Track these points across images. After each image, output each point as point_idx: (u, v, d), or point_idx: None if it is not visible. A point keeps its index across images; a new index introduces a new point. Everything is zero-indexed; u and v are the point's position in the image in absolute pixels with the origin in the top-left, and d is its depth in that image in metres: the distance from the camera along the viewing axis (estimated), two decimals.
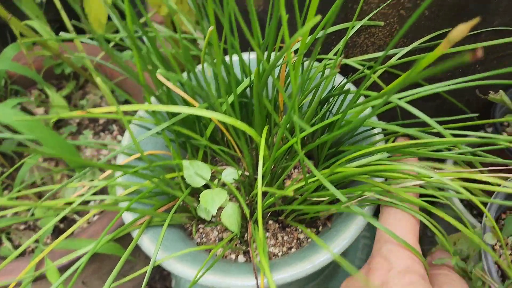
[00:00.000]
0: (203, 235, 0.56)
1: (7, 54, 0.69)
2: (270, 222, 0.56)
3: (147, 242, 0.48)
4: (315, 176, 0.45)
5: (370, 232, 0.72)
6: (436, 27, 0.54)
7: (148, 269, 0.46)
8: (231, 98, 0.50)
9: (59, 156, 0.39)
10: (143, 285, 0.45)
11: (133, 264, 0.85)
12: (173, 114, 0.50)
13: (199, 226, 0.57)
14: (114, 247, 0.60)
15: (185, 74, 0.60)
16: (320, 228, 0.55)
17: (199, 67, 0.61)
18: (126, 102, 0.85)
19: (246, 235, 0.54)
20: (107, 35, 0.48)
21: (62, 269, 0.63)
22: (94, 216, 0.72)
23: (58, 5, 0.67)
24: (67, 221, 0.72)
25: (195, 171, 0.50)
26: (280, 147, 0.45)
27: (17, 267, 0.61)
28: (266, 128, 0.47)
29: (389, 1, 0.52)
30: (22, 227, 0.71)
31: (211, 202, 0.49)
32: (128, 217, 0.50)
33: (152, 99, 0.59)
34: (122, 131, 0.84)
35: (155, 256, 0.46)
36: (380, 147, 0.43)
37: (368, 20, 0.54)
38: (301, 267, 0.43)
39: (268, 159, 0.47)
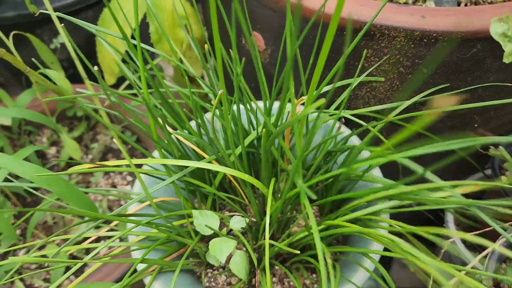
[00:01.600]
0: (212, 280, 0.58)
1: (22, 101, 0.72)
2: (277, 267, 0.57)
3: None
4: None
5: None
6: (434, 82, 0.57)
7: None
8: (238, 150, 0.53)
9: (78, 213, 0.42)
10: None
11: None
12: (184, 166, 0.53)
13: (208, 270, 0.59)
14: None
15: (193, 123, 0.64)
16: None
17: (207, 115, 0.64)
18: (138, 140, 0.88)
19: (254, 280, 0.56)
20: (120, 92, 0.51)
21: None
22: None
23: (72, 54, 0.70)
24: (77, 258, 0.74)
25: (204, 221, 0.53)
26: (286, 199, 0.47)
27: None
28: (273, 180, 0.50)
29: (388, 59, 0.55)
30: (33, 266, 0.73)
31: (220, 250, 0.51)
32: (140, 264, 0.52)
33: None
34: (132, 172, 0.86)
35: None
36: (382, 195, 0.45)
37: (369, 76, 0.58)
38: None
39: (274, 208, 0.49)
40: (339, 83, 0.57)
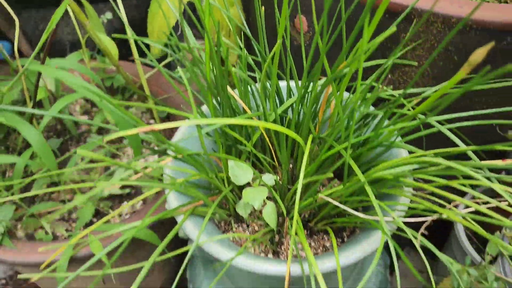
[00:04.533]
0: (236, 237, 0.60)
1: (71, 58, 0.77)
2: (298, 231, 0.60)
3: (191, 227, 0.53)
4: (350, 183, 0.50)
5: (383, 260, 0.75)
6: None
7: (191, 248, 0.51)
8: (281, 109, 0.57)
9: (131, 140, 0.45)
10: (182, 268, 0.50)
11: (148, 273, 0.88)
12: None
13: (233, 226, 0.61)
14: (151, 235, 0.63)
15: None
16: (345, 239, 0.59)
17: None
18: (167, 117, 0.92)
19: (276, 237, 0.59)
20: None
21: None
22: (137, 203, 0.77)
23: (126, 23, 0.75)
24: (100, 216, 0.76)
25: (239, 172, 0.56)
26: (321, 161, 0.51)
27: (53, 246, 0.65)
28: (311, 136, 0.53)
29: (422, 44, 0.60)
30: (57, 217, 0.75)
31: (253, 198, 0.54)
32: (173, 203, 0.55)
33: (204, 107, 0.66)
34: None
35: (198, 238, 0.51)
36: (410, 158, 0.49)
37: (404, 59, 0.62)
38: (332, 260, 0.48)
39: (309, 169, 0.53)
40: (374, 62, 0.61)
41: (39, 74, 0.66)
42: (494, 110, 0.50)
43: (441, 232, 0.94)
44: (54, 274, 0.52)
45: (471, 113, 0.52)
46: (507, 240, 0.48)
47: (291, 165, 0.67)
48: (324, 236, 0.60)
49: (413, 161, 0.49)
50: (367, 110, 0.55)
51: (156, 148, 0.62)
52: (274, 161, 0.63)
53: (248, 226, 0.62)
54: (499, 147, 0.44)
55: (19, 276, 0.51)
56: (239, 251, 0.49)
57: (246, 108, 0.58)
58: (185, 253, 0.81)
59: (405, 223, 0.47)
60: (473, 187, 0.48)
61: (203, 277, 0.74)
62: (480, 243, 0.79)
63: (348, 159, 0.50)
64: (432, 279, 0.47)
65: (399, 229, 0.50)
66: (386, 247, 0.83)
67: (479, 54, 0.34)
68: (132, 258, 0.79)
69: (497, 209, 0.44)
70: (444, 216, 0.46)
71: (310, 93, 0.54)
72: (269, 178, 0.58)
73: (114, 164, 0.45)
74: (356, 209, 0.64)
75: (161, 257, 0.50)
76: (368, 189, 0.45)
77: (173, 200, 0.56)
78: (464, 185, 0.45)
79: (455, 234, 0.80)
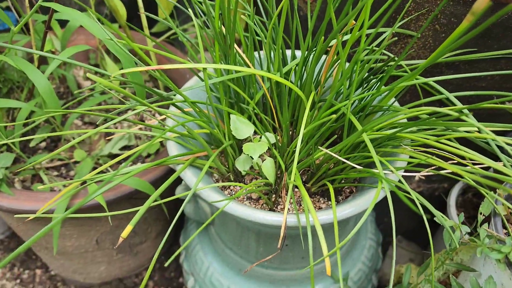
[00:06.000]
0: (233, 193, 0.61)
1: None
2: (296, 190, 0.61)
3: (190, 175, 0.54)
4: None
5: (376, 237, 0.76)
6: (463, 45, 0.62)
7: (189, 194, 0.51)
8: (284, 69, 0.57)
9: (136, 84, 0.46)
10: (179, 212, 0.50)
11: (142, 239, 0.88)
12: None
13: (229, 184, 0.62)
14: (147, 185, 0.64)
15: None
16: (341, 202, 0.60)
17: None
18: (167, 89, 0.93)
19: (274, 196, 0.59)
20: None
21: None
22: (137, 162, 0.77)
23: None
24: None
25: (240, 126, 0.57)
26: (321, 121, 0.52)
27: (50, 196, 0.65)
28: (313, 93, 0.54)
29: (426, 14, 0.61)
30: (55, 173, 0.75)
31: (253, 150, 0.54)
32: (172, 152, 0.56)
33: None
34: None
35: (196, 185, 0.51)
36: (406, 111, 0.50)
37: (406, 30, 0.63)
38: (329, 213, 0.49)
39: (308, 128, 0.53)
40: (376, 30, 0.62)
41: (47, 26, 0.67)
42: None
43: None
44: (50, 215, 0.53)
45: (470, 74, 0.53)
46: (500, 202, 0.49)
47: (291, 132, 0.68)
48: (320, 198, 0.61)
49: (409, 113, 0.50)
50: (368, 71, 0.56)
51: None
52: (275, 122, 0.63)
53: (245, 182, 0.62)
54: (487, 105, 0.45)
55: (16, 216, 0.52)
56: (237, 193, 0.49)
57: (251, 65, 0.59)
58: (179, 226, 0.81)
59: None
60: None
61: (196, 242, 0.75)
62: (470, 222, 0.80)
63: (348, 115, 0.50)
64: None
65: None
66: (378, 223, 0.84)
67: (482, 2, 0.35)
68: (127, 220, 0.79)
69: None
70: (443, 171, 0.47)
71: (314, 52, 0.55)
72: (270, 136, 0.58)
73: (113, 118, 0.45)
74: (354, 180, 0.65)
75: (156, 203, 0.51)
76: (366, 138, 0.46)
77: (172, 149, 0.56)
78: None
79: (447, 213, 0.81)
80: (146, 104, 0.47)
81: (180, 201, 0.80)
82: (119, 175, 0.55)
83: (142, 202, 0.79)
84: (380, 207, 0.90)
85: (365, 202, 0.51)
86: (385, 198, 0.49)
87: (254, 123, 0.68)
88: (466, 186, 0.89)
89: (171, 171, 0.74)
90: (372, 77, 0.58)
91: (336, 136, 0.65)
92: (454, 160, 0.48)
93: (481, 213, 0.48)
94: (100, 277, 0.94)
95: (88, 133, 0.48)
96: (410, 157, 0.50)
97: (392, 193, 0.49)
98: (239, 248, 0.65)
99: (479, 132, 0.48)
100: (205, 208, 0.68)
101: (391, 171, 0.48)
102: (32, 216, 0.55)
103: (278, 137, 0.62)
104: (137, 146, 0.82)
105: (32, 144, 0.71)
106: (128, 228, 0.45)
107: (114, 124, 0.87)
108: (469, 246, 0.69)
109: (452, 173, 0.46)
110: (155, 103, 0.52)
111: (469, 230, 0.47)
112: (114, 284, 0.97)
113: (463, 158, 0.46)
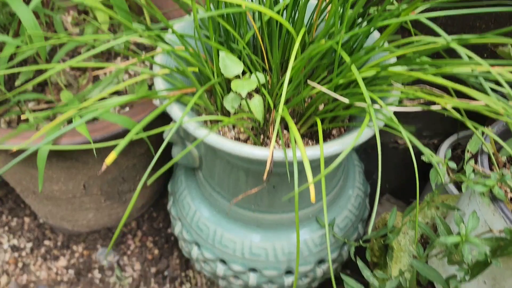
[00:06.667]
0: (221, 133, 0.60)
1: None
2: (285, 132, 0.60)
3: (176, 109, 0.53)
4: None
5: (364, 187, 0.76)
6: None
7: (174, 128, 0.50)
8: (276, 8, 0.56)
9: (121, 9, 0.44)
10: (166, 140, 0.49)
11: (131, 187, 0.88)
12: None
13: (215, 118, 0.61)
14: (134, 124, 0.62)
15: None
16: None
17: None
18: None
19: (262, 137, 0.59)
20: None
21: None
22: (125, 107, 0.76)
23: None
24: None
25: (230, 63, 0.55)
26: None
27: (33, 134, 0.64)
28: (303, 29, 0.53)
29: None
30: (41, 115, 0.74)
31: (242, 87, 0.53)
32: (159, 87, 0.55)
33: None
34: None
35: (182, 118, 0.50)
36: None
37: None
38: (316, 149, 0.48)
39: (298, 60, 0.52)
40: None
41: None
42: None
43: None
44: (38, 146, 0.52)
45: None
46: (489, 139, 0.49)
47: (281, 75, 0.67)
48: (309, 141, 0.61)
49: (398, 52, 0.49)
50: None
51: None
52: (265, 64, 0.62)
53: (234, 127, 0.62)
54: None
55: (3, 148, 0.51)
56: (224, 121, 0.49)
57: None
58: (168, 179, 0.80)
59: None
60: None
61: (184, 187, 0.75)
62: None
63: (339, 51, 0.49)
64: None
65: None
66: (367, 175, 0.84)
67: None
68: (115, 165, 0.79)
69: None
70: (437, 107, 0.47)
71: None
72: (259, 76, 0.58)
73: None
74: (343, 120, 0.64)
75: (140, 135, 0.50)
76: (355, 70, 0.45)
77: (160, 86, 0.55)
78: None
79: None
80: (134, 29, 0.46)
81: (168, 152, 0.79)
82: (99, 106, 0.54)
83: (131, 147, 0.78)
84: (368, 162, 0.90)
85: (352, 139, 0.50)
86: (375, 155, 0.49)
87: (244, 63, 0.67)
88: (456, 143, 0.89)
89: (161, 115, 0.73)
90: (365, 18, 0.57)
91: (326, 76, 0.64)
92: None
93: (468, 151, 0.48)
94: (88, 225, 0.94)
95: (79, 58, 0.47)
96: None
97: (381, 157, 0.48)
98: (227, 191, 0.65)
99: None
100: (193, 151, 0.67)
101: (382, 113, 0.48)
102: (15, 147, 0.54)
103: (268, 78, 0.61)
104: (127, 93, 0.81)
105: (17, 83, 0.69)
106: (112, 155, 0.45)
107: (103, 70, 0.85)
108: (455, 196, 0.70)
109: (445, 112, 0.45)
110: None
111: (455, 166, 0.47)
112: (102, 233, 0.98)
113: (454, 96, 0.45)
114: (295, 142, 0.45)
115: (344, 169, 0.72)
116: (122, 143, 0.47)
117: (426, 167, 0.87)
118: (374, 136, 0.47)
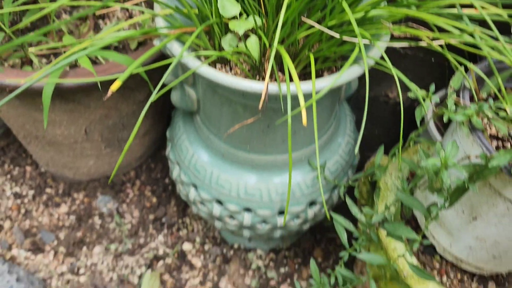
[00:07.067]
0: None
1: None
2: (280, 74, 0.63)
3: (176, 46, 0.56)
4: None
5: (354, 134, 0.80)
6: None
7: (174, 62, 0.53)
8: None
9: None
10: (168, 72, 0.52)
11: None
12: None
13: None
14: (129, 60, 0.65)
15: None
16: None
17: None
18: None
19: (258, 77, 0.62)
20: None
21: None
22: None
23: None
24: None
25: (228, 3, 0.58)
26: None
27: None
28: None
29: None
30: (44, 61, 0.77)
31: (239, 26, 0.56)
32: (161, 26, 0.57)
33: None
34: None
35: (183, 52, 0.53)
36: None
37: None
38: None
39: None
40: None
41: None
42: None
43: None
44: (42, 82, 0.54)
45: None
46: (471, 75, 0.52)
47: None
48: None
49: None
50: None
51: None
52: (261, 9, 0.65)
53: (231, 69, 0.64)
54: None
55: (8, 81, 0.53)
56: (223, 52, 0.51)
57: None
58: (164, 127, 0.82)
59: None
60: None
61: (182, 132, 0.78)
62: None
63: None
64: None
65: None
66: (358, 124, 0.87)
67: None
68: (115, 110, 0.81)
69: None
70: (423, 43, 0.49)
71: None
72: (256, 18, 0.60)
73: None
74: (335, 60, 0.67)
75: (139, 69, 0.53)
76: (345, 5, 0.47)
77: (161, 24, 0.58)
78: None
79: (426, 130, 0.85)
80: None
81: (168, 100, 0.81)
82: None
83: (131, 92, 0.81)
84: (360, 115, 0.94)
85: (343, 76, 0.53)
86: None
87: (242, 8, 0.70)
88: (444, 97, 0.93)
89: (163, 56, 0.76)
90: None
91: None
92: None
93: (451, 87, 0.51)
94: (89, 173, 0.97)
95: None
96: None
97: (372, 111, 0.51)
98: (224, 132, 0.68)
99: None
100: (191, 94, 0.70)
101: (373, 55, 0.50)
102: (22, 81, 0.56)
103: (264, 21, 0.64)
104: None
105: (21, 26, 0.71)
106: (117, 82, 0.48)
107: (103, 20, 0.87)
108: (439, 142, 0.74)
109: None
110: None
111: (438, 100, 0.50)
112: (102, 181, 1.01)
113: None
114: (289, 71, 0.48)
115: (335, 116, 0.75)
116: (124, 73, 0.50)
117: (414, 123, 0.91)
118: (365, 85, 0.50)
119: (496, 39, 0.47)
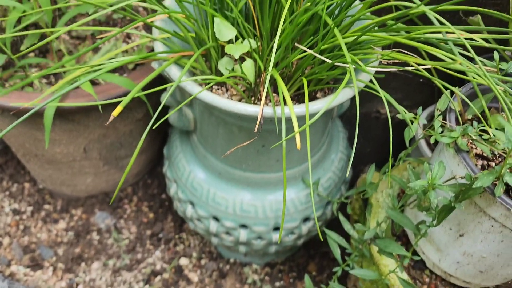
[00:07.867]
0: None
1: None
2: (274, 95, 0.65)
3: (175, 70, 0.58)
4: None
5: (347, 151, 0.82)
6: None
7: (173, 86, 0.55)
8: None
9: None
10: (167, 96, 0.54)
11: (128, 153, 0.93)
12: None
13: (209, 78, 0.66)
14: (129, 82, 0.67)
15: None
16: None
17: None
18: None
19: (253, 99, 0.64)
20: None
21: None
22: (124, 75, 0.80)
23: None
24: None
25: (224, 28, 0.60)
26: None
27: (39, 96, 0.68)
28: None
29: None
30: (44, 81, 0.78)
31: (235, 50, 0.58)
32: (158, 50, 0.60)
33: None
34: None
35: (181, 76, 0.55)
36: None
37: None
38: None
39: (287, 32, 0.57)
40: None
41: None
42: None
43: None
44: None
45: None
46: (456, 98, 0.55)
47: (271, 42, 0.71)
48: (296, 104, 0.66)
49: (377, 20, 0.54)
50: None
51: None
52: (256, 32, 0.67)
53: (227, 90, 0.67)
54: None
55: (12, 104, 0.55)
56: (221, 78, 0.53)
57: None
58: (161, 145, 0.85)
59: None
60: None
61: (179, 150, 0.80)
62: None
63: (324, 17, 0.54)
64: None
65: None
66: (350, 140, 0.90)
67: None
68: (113, 130, 0.83)
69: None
70: (411, 68, 0.52)
71: None
72: (251, 41, 0.62)
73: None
74: (328, 83, 0.69)
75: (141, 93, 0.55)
76: (337, 33, 0.50)
77: (159, 48, 0.60)
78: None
79: (414, 138, 0.88)
80: None
81: (165, 119, 0.84)
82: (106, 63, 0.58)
83: (129, 112, 0.83)
84: (352, 132, 0.96)
85: (335, 99, 0.55)
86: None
87: (237, 31, 0.72)
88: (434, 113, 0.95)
89: (161, 78, 0.78)
90: None
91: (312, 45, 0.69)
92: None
93: (437, 109, 0.54)
94: (87, 189, 0.99)
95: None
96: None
97: (364, 127, 0.53)
98: (220, 152, 0.70)
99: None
100: (188, 114, 0.72)
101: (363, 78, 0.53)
102: (25, 104, 0.58)
103: (259, 44, 0.66)
104: None
105: (22, 48, 0.73)
106: (118, 108, 0.50)
107: (101, 39, 0.89)
108: (428, 158, 0.76)
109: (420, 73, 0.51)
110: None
111: (425, 122, 0.53)
112: (100, 197, 1.03)
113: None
114: (283, 97, 0.50)
115: (328, 134, 0.78)
116: (126, 99, 0.52)
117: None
118: (355, 103, 0.52)
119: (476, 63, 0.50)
